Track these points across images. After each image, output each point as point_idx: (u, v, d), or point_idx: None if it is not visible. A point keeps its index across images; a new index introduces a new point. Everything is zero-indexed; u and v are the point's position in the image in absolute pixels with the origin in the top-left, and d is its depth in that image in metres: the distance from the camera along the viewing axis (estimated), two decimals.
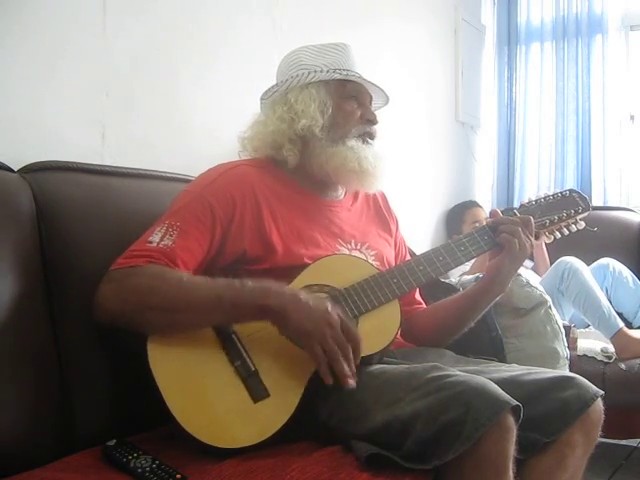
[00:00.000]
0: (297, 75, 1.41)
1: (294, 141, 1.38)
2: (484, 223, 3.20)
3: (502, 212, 1.43)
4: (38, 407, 1.14)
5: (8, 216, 1.18)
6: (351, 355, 1.13)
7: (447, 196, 3.24)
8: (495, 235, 1.37)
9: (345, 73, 1.41)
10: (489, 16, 3.65)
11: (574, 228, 1.46)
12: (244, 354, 1.17)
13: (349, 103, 1.41)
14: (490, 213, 1.43)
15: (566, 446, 1.20)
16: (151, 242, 1.21)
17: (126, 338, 1.17)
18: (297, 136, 1.37)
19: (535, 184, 3.48)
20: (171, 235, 1.21)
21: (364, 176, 1.39)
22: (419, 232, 2.94)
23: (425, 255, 1.35)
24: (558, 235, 1.46)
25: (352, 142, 1.38)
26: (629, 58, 3.41)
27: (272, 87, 1.45)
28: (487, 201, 3.60)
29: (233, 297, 1.15)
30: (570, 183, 3.36)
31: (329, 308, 1.14)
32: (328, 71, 1.40)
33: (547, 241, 1.46)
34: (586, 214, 1.46)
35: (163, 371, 1.13)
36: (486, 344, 1.86)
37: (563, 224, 1.45)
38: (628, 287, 2.70)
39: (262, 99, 1.47)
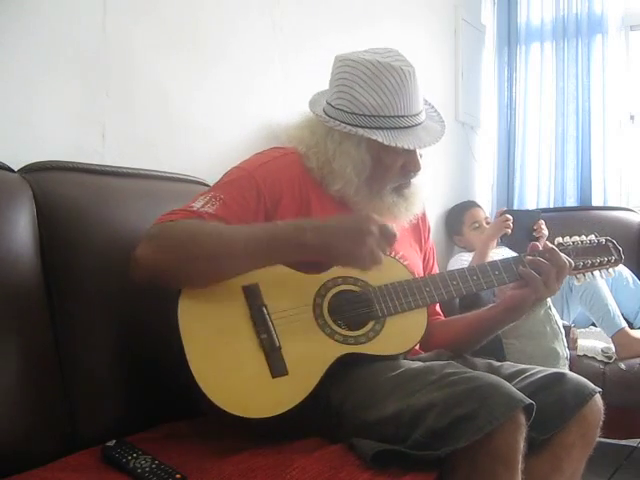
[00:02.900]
0: (343, 111, 1.30)
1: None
2: (484, 223, 3.21)
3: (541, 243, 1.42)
4: (38, 407, 1.14)
5: (8, 216, 1.18)
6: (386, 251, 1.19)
7: (447, 196, 3.23)
8: (530, 267, 1.36)
9: (393, 124, 1.29)
10: (489, 16, 3.65)
11: (604, 276, 1.49)
12: (271, 328, 1.18)
13: (391, 155, 1.32)
14: (530, 246, 1.41)
15: (562, 449, 1.21)
16: (192, 207, 1.22)
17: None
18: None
19: (535, 184, 3.48)
20: (212, 204, 1.22)
21: (399, 222, 1.40)
22: None
23: (460, 271, 1.36)
24: (588, 278, 1.48)
25: (388, 198, 1.36)
26: (629, 58, 3.40)
27: (324, 115, 1.34)
28: (487, 201, 3.60)
29: (269, 239, 1.16)
30: (570, 183, 3.36)
31: (360, 220, 1.17)
32: (375, 117, 1.28)
33: (577, 283, 1.49)
34: (618, 265, 1.50)
35: (189, 329, 1.14)
36: (486, 344, 1.86)
37: (594, 270, 1.47)
38: (628, 288, 2.70)
39: (311, 105, 1.40)
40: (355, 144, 1.31)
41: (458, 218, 3.09)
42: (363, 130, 1.28)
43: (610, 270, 1.49)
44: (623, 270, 2.72)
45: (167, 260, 1.15)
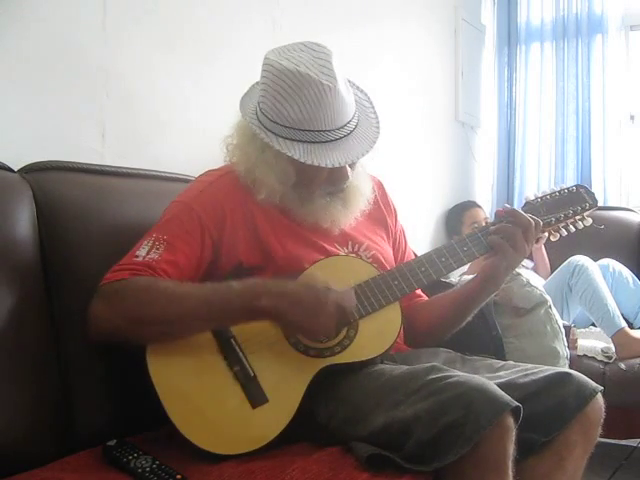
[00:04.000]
0: (266, 117, 1.25)
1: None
2: (483, 223, 3.21)
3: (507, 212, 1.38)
4: (38, 407, 1.14)
5: (8, 216, 1.18)
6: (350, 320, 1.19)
7: (447, 196, 3.23)
8: (496, 234, 1.34)
9: (316, 147, 1.23)
10: (489, 16, 3.65)
11: (581, 225, 1.42)
12: (243, 359, 1.17)
13: (313, 169, 1.25)
14: (495, 213, 1.40)
15: (564, 447, 1.20)
16: (137, 256, 1.20)
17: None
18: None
19: (535, 184, 3.48)
20: (157, 249, 1.20)
21: (340, 224, 1.36)
22: (419, 232, 2.93)
23: (427, 255, 1.33)
24: (564, 232, 1.42)
25: (321, 201, 1.31)
26: (629, 58, 3.41)
27: (252, 117, 1.29)
28: (487, 201, 3.60)
29: (222, 303, 1.15)
30: (570, 183, 3.33)
31: (321, 294, 1.15)
32: (299, 130, 1.22)
33: (552, 239, 1.42)
34: (593, 210, 1.42)
35: (162, 377, 1.13)
36: (486, 343, 1.86)
37: (569, 221, 1.41)
38: (628, 288, 2.70)
39: (240, 105, 1.35)
40: (275, 154, 1.26)
41: (458, 218, 3.09)
42: (284, 142, 1.23)
43: (587, 218, 1.41)
44: (623, 270, 2.73)
45: (119, 323, 1.14)
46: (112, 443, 1.10)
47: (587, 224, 1.42)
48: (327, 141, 1.24)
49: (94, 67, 1.52)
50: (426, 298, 1.52)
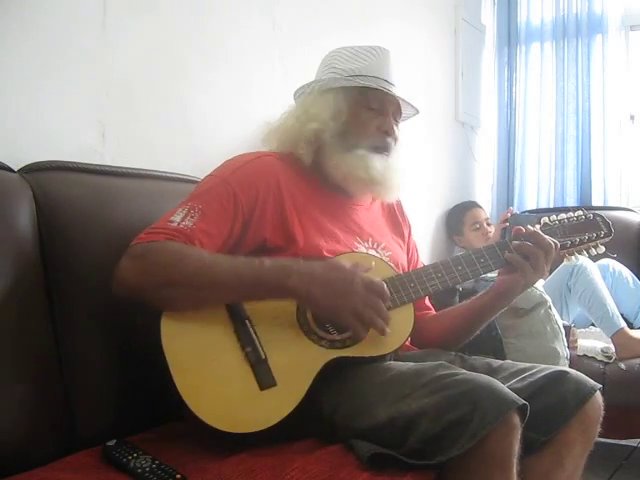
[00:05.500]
0: (323, 79, 1.43)
1: (309, 141, 1.39)
2: (485, 224, 3.21)
3: (524, 226, 1.39)
4: (38, 407, 1.14)
5: (8, 216, 1.18)
6: (383, 308, 1.18)
7: (447, 196, 3.24)
8: (516, 252, 1.35)
9: (366, 80, 1.39)
10: (489, 16, 3.65)
11: (593, 252, 1.45)
12: (256, 341, 1.17)
13: (366, 112, 1.40)
14: (513, 230, 1.40)
15: (563, 446, 1.21)
16: (172, 222, 1.21)
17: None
18: (311, 137, 1.39)
19: (535, 184, 3.48)
20: (192, 217, 1.22)
21: (372, 185, 1.40)
22: (419, 232, 2.92)
23: (444, 263, 1.34)
24: (577, 257, 1.45)
25: (362, 151, 1.39)
26: (629, 58, 3.41)
27: (303, 86, 1.47)
28: (487, 201, 3.60)
29: (253, 276, 1.16)
30: (570, 183, 3.37)
31: (349, 274, 1.16)
32: (352, 76, 1.40)
33: (566, 262, 1.45)
34: (608, 239, 1.45)
35: (174, 349, 1.13)
36: (486, 344, 1.86)
37: (583, 247, 1.44)
38: (628, 288, 2.70)
39: (294, 96, 1.50)
40: (333, 94, 1.40)
41: (459, 218, 3.09)
42: (341, 80, 1.39)
43: (601, 246, 1.44)
44: (623, 270, 2.73)
45: (148, 283, 1.15)
46: (112, 443, 1.10)
47: (600, 252, 1.45)
48: (379, 87, 1.39)
49: (94, 67, 1.52)
50: (434, 312, 1.54)
